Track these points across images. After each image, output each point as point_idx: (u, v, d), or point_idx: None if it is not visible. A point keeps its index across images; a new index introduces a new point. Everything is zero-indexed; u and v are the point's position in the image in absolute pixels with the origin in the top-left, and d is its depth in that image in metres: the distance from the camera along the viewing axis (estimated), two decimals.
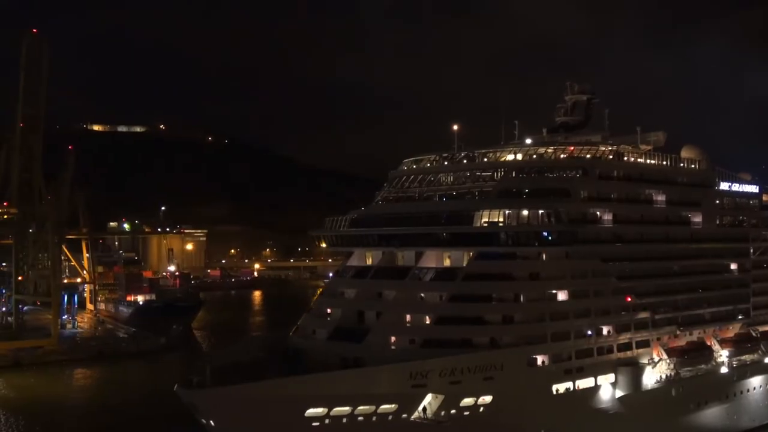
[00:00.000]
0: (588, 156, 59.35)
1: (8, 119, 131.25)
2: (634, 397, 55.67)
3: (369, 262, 57.91)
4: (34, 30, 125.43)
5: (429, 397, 47.34)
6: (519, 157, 58.11)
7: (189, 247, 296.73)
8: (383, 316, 52.09)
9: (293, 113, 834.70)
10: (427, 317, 51.46)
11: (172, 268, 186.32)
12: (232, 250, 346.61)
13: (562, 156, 58.55)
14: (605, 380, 55.11)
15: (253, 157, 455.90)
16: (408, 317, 52.10)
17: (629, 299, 57.90)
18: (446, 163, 60.25)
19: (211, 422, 44.16)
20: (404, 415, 46.89)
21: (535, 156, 58.19)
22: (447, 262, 54.43)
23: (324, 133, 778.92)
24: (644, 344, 58.55)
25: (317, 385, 44.43)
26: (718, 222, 69.07)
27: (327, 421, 44.87)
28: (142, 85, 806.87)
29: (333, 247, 60.63)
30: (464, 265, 52.81)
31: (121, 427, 72.64)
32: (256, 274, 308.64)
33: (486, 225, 52.63)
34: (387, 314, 52.11)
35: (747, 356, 66.03)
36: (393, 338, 50.85)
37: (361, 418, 45.58)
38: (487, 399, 48.88)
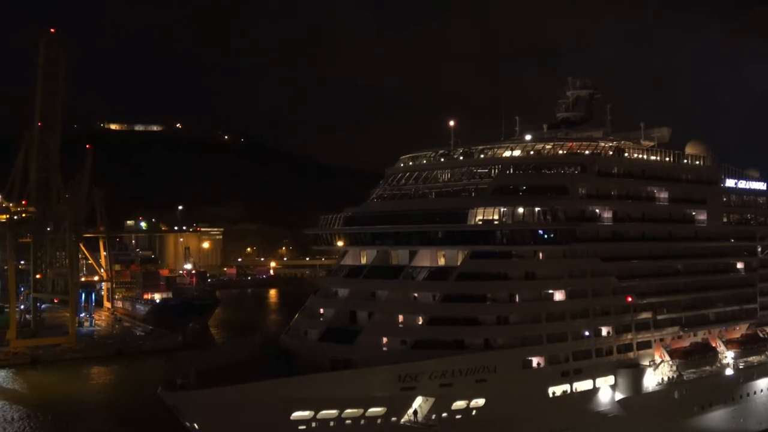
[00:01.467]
0: (587, 152, 57.96)
1: (26, 118, 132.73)
2: (635, 399, 54.29)
3: (363, 261, 57.07)
4: (52, 30, 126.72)
5: (419, 400, 46.52)
6: (516, 153, 56.91)
7: (205, 245, 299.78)
8: (375, 317, 51.26)
9: (301, 113, 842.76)
10: (420, 318, 50.44)
11: (188, 266, 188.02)
12: (249, 249, 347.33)
13: (560, 152, 57.26)
14: (604, 382, 53.72)
15: (269, 155, 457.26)
16: (400, 318, 51.21)
17: (630, 299, 56.42)
18: (443, 159, 59.05)
19: (195, 425, 43.74)
20: (393, 419, 46.12)
21: (532, 152, 56.93)
22: (441, 261, 53.38)
23: (333, 131, 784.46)
24: (646, 345, 57.09)
25: (303, 388, 43.72)
26: (724, 220, 67.38)
27: (313, 424, 44.23)
28: (158, 84, 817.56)
29: (326, 245, 59.97)
30: (458, 264, 51.91)
31: (135, 424, 72.87)
32: (272, 272, 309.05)
33: (481, 223, 51.57)
34: (379, 314, 51.28)
35: (754, 357, 64.24)
36: (384, 339, 50.11)
37: (348, 421, 44.87)
38: (480, 402, 47.88)
